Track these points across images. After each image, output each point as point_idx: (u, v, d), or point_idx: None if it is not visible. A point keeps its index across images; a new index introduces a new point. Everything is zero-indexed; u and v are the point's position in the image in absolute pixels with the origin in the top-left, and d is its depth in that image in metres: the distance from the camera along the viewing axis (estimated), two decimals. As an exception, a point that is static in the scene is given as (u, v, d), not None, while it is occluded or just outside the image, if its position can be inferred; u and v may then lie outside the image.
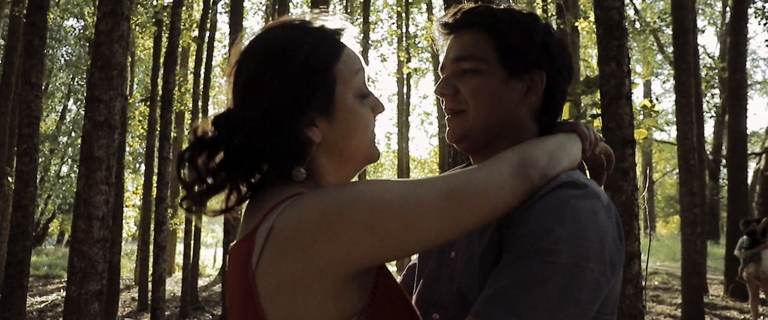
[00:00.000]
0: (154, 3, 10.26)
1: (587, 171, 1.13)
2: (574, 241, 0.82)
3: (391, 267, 13.27)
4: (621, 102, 3.31)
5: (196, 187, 0.91)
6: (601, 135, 3.50)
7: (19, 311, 6.97)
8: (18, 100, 7.13)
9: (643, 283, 3.27)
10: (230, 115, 0.92)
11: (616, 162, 3.43)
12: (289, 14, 1.01)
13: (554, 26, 11.42)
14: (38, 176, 21.95)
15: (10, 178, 10.01)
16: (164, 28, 10.43)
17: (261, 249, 0.82)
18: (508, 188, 0.86)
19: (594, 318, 0.88)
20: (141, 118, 13.62)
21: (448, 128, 1.05)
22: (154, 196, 9.78)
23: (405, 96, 16.75)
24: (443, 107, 1.07)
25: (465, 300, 0.95)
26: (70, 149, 22.71)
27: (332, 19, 0.97)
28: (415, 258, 1.22)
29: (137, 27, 10.88)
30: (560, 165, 0.93)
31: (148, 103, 11.70)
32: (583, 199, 0.87)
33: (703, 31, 21.19)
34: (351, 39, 0.97)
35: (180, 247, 16.15)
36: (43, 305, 11.88)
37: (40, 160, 20.91)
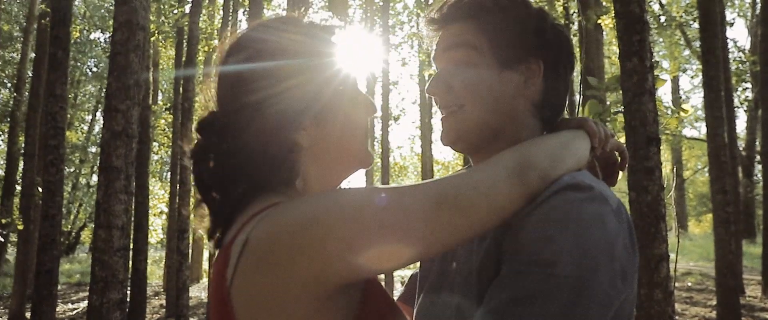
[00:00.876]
0: (175, 12, 10.38)
1: (599, 171, 1.05)
2: (578, 251, 0.74)
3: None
4: (644, 98, 3.19)
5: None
6: (622, 132, 3.38)
7: (49, 318, 7.09)
8: (45, 111, 7.26)
9: (673, 287, 3.14)
10: (215, 118, 0.87)
11: (641, 162, 3.30)
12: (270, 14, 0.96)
13: (576, 24, 11.25)
14: (69, 185, 22.52)
15: (40, 188, 10.23)
16: (185, 36, 10.55)
17: (236, 263, 0.77)
18: (503, 193, 0.79)
19: None
20: (166, 127, 13.81)
21: (441, 129, 0.98)
22: (177, 204, 9.88)
23: (427, 98, 16.66)
24: (437, 106, 1.00)
25: (463, 316, 0.88)
26: (99, 159, 23.21)
27: (321, 19, 0.93)
28: (416, 266, 1.15)
29: (159, 36, 11.03)
30: (563, 165, 0.85)
31: (172, 112, 11.85)
32: (588, 203, 0.79)
33: (732, 24, 20.66)
34: (340, 39, 0.93)
35: (207, 253, 16.32)
36: (74, 312, 12.10)
37: (71, 169, 21.38)
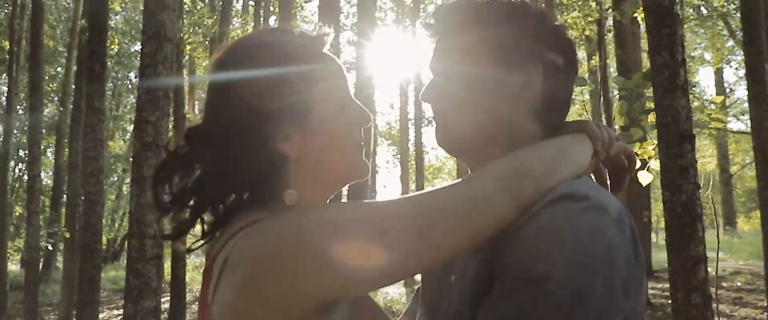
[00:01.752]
0: (206, 22, 10.59)
1: (607, 177, 0.99)
2: (572, 265, 0.70)
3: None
4: (676, 94, 3.06)
5: (172, 211, 0.85)
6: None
7: (91, 326, 7.30)
8: (85, 124, 7.50)
9: (712, 291, 3.00)
10: (200, 127, 0.86)
11: (674, 160, 3.16)
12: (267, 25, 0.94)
13: (611, 19, 10.97)
14: (113, 195, 23.21)
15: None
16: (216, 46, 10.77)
17: (216, 280, 0.75)
18: (493, 206, 0.74)
19: None
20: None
21: (435, 131, 0.95)
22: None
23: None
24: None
25: None
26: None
27: (312, 28, 0.91)
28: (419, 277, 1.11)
29: (193, 45, 11.26)
30: (560, 173, 0.80)
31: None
32: (585, 214, 0.74)
33: (778, 12, 19.81)
34: (330, 48, 0.91)
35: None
36: (118, 318, 12.45)
37: (114, 179, 22.04)
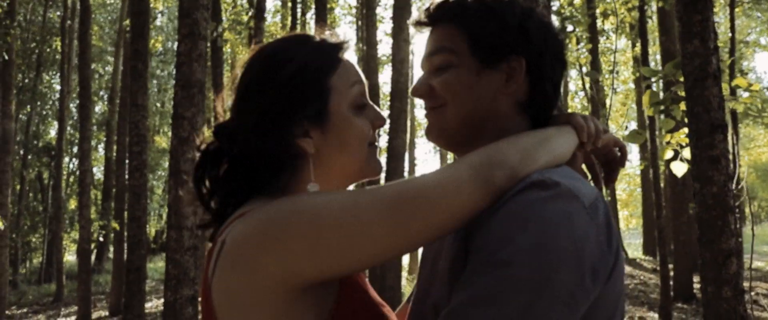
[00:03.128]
0: (244, 18, 10.79)
1: (599, 168, 1.00)
2: (537, 251, 0.72)
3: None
4: (707, 83, 2.98)
5: (210, 202, 0.92)
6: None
7: (139, 313, 7.61)
8: (129, 120, 7.80)
9: (745, 284, 2.91)
10: (227, 124, 0.93)
11: (705, 150, 3.08)
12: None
13: (654, 6, 10.61)
14: (160, 188, 23.97)
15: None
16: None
17: (215, 262, 0.82)
18: (465, 192, 0.77)
19: None
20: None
21: (426, 125, 0.98)
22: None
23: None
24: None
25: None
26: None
27: (334, 35, 0.97)
28: None
29: (231, 43, 11.50)
30: (537, 162, 0.82)
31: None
32: (553, 201, 0.76)
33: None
34: (351, 53, 0.97)
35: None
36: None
37: (161, 173, 22.77)
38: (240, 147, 0.90)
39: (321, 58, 0.92)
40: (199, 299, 0.97)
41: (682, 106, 3.14)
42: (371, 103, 0.97)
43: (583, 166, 1.00)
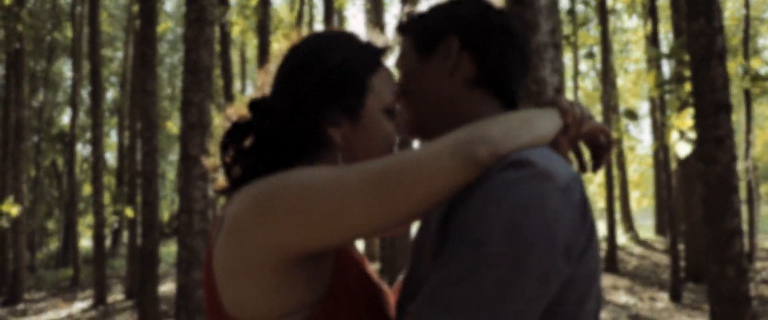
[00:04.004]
0: (252, 3, 10.78)
1: (586, 153, 1.03)
2: (510, 229, 0.74)
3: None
4: (712, 63, 2.96)
5: (232, 171, 0.97)
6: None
7: (153, 296, 7.75)
8: (139, 106, 7.85)
9: (748, 263, 2.92)
10: (266, 100, 0.98)
11: (709, 131, 3.07)
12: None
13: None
14: (172, 173, 24.17)
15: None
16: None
17: (217, 233, 0.86)
18: (446, 168, 0.79)
19: (554, 310, 0.79)
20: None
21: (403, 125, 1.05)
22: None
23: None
24: None
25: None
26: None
27: (382, 39, 1.03)
28: None
29: (241, 28, 11.51)
30: (517, 141, 0.83)
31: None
32: (528, 181, 0.77)
33: None
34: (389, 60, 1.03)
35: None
36: (180, 290, 13.11)
37: (172, 158, 22.96)
38: (272, 123, 0.94)
39: (366, 56, 0.97)
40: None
41: (688, 86, 3.13)
42: (399, 110, 1.01)
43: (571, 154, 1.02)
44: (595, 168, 1.03)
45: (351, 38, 0.99)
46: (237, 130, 0.97)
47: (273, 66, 1.00)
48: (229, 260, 0.82)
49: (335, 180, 0.79)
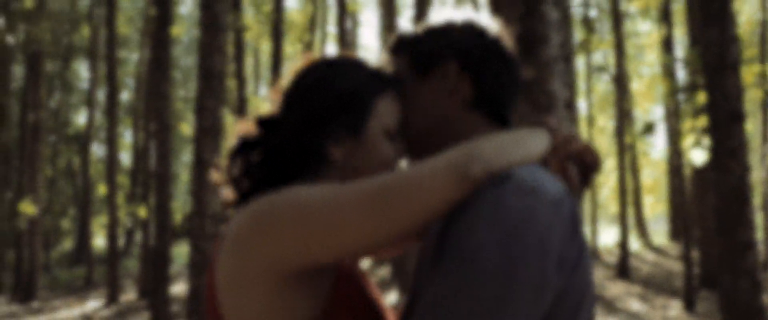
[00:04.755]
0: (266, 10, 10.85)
1: (573, 174, 1.04)
2: (502, 244, 0.76)
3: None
4: (726, 73, 2.94)
5: (240, 185, 1.00)
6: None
7: (164, 298, 7.83)
8: (153, 109, 7.94)
9: (763, 272, 2.89)
10: (273, 117, 1.01)
11: (724, 141, 3.05)
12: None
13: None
14: (186, 174, 24.35)
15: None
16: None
17: (220, 247, 0.89)
18: (441, 185, 0.81)
19: None
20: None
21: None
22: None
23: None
24: None
25: None
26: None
27: (389, 68, 1.07)
28: None
29: (255, 33, 11.60)
30: (509, 158, 0.85)
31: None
32: (519, 197, 0.80)
33: None
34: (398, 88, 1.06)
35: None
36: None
37: (186, 159, 23.16)
38: (278, 138, 0.98)
39: (372, 81, 1.00)
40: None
41: (702, 95, 3.11)
42: (400, 135, 1.04)
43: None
44: (581, 188, 1.05)
45: (360, 64, 1.02)
46: (245, 145, 0.99)
47: (283, 85, 1.03)
48: (230, 275, 0.85)
49: (333, 196, 0.82)
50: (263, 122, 1.00)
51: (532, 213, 0.78)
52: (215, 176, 1.02)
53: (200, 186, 4.57)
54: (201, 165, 4.57)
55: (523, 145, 0.88)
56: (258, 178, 0.98)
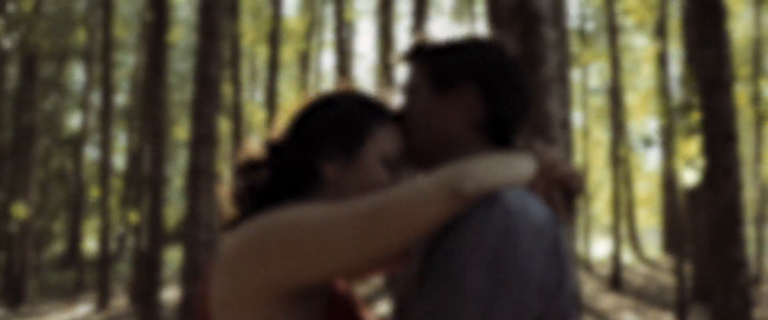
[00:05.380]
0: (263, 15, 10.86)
1: (558, 198, 1.06)
2: (487, 266, 0.78)
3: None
4: (720, 92, 2.97)
5: (243, 202, 1.03)
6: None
7: (155, 302, 7.78)
8: (147, 114, 7.93)
9: (755, 286, 2.91)
10: (278, 142, 1.06)
11: (718, 160, 3.07)
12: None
13: (676, 4, 10.43)
14: (179, 179, 24.27)
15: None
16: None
17: (216, 266, 0.91)
18: (432, 202, 0.83)
19: None
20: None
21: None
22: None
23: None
24: None
25: None
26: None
27: (385, 94, 1.10)
28: None
29: (251, 39, 11.61)
30: (498, 178, 0.87)
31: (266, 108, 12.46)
32: (505, 219, 0.82)
33: None
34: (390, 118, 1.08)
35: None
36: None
37: (180, 162, 23.07)
38: (278, 159, 1.02)
39: (373, 109, 1.03)
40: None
41: (696, 114, 3.13)
42: (395, 163, 1.06)
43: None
44: (566, 213, 1.06)
45: (362, 94, 1.05)
46: (250, 166, 1.03)
47: (292, 113, 1.07)
48: (224, 294, 0.87)
49: (324, 216, 0.84)
50: (267, 144, 1.04)
51: (516, 237, 0.80)
52: (221, 191, 1.06)
53: (195, 193, 4.56)
54: (196, 173, 4.57)
55: (511, 168, 0.90)
56: (260, 197, 1.01)
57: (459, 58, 1.02)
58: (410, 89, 1.04)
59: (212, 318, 0.89)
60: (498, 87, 1.01)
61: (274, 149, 1.03)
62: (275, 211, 0.88)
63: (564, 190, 1.02)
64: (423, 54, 1.05)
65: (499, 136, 1.02)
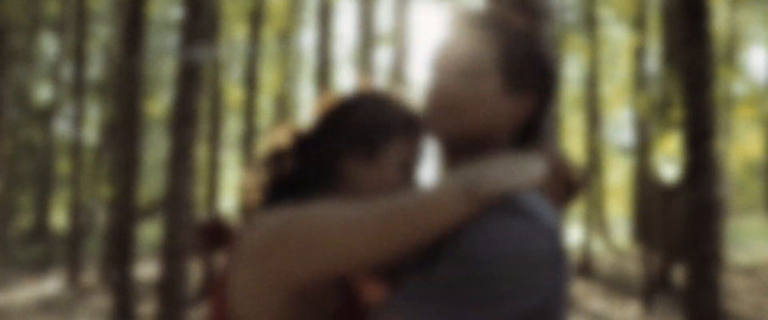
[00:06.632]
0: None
1: (561, 192, 1.10)
2: (503, 259, 0.84)
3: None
4: (701, 91, 3.04)
5: (267, 191, 1.05)
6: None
7: (128, 280, 7.68)
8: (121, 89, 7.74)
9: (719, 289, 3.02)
10: (306, 133, 1.08)
11: (696, 157, 3.15)
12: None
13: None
14: (152, 154, 23.88)
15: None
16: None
17: (236, 258, 0.93)
18: (449, 207, 0.86)
19: None
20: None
21: (431, 118, 1.00)
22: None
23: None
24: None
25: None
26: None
27: (416, 99, 1.10)
28: None
29: (231, 17, 11.39)
30: (511, 184, 0.90)
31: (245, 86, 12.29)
32: (521, 222, 0.87)
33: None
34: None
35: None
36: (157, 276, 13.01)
37: (154, 138, 22.67)
38: (305, 151, 1.05)
39: (403, 118, 1.05)
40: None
41: (677, 111, 3.21)
42: (415, 168, 1.07)
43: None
44: (568, 204, 1.11)
45: (390, 96, 1.07)
46: (279, 156, 1.07)
47: (328, 103, 1.09)
48: (245, 285, 0.90)
49: (347, 215, 0.87)
50: (296, 136, 1.07)
51: (529, 238, 0.86)
52: (245, 178, 1.09)
53: (176, 173, 4.51)
54: (178, 153, 4.51)
55: (526, 171, 0.93)
56: (281, 186, 1.04)
57: (533, 65, 1.00)
58: (472, 70, 0.97)
59: (231, 306, 0.92)
60: (550, 98, 1.03)
61: (302, 142, 1.06)
62: (299, 207, 0.90)
63: (567, 186, 1.07)
64: (504, 31, 0.99)
65: (529, 139, 1.05)
